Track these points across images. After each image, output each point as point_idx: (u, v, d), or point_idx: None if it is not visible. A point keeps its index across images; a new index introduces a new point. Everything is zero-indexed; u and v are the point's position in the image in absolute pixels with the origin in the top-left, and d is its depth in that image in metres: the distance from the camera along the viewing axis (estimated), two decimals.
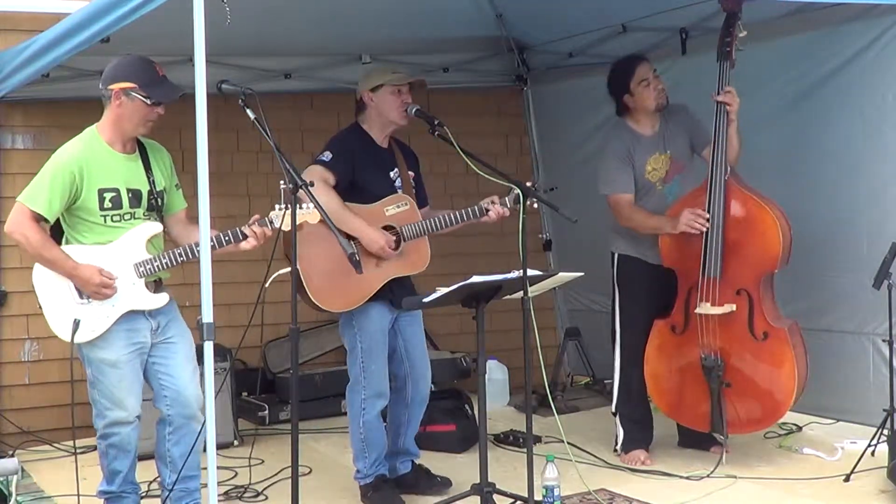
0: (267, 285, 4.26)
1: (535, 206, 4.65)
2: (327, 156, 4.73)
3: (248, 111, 4.08)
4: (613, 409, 5.57)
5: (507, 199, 4.73)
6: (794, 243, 5.15)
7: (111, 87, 4.25)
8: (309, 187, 4.06)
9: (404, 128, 4.93)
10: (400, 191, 4.86)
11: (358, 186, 4.76)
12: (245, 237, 4.27)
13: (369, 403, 4.81)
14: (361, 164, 4.77)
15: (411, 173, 4.96)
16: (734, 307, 5.09)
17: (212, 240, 4.20)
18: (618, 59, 5.48)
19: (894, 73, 5.19)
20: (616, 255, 5.47)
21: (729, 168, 5.09)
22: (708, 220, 5.05)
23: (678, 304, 5.26)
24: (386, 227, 4.77)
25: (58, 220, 4.30)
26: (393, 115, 4.80)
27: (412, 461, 5.07)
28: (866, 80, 5.33)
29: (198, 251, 3.90)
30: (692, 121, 5.33)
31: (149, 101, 4.21)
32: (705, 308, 5.10)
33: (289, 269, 4.11)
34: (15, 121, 6.25)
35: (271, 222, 4.25)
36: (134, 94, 4.21)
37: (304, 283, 4.64)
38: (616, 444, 5.53)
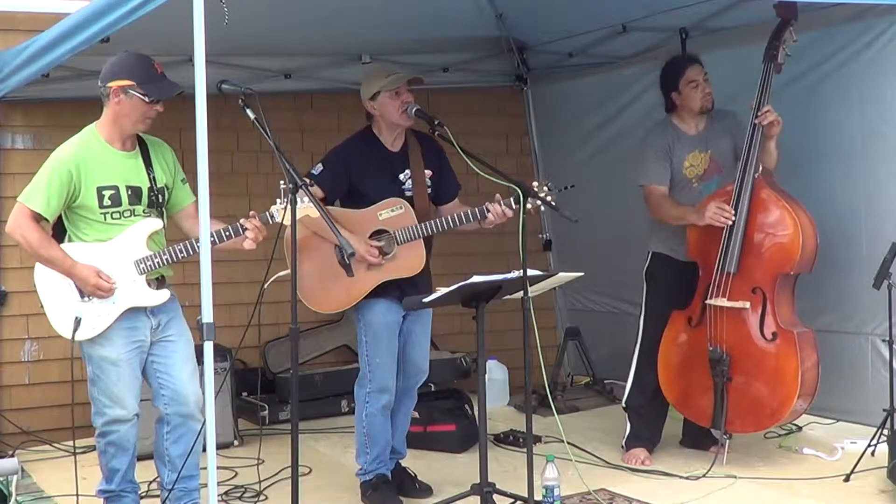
0: (266, 286, 4.27)
1: (541, 206, 4.62)
2: (317, 168, 4.80)
3: (248, 111, 4.08)
4: (624, 404, 5.58)
5: (510, 199, 4.69)
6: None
7: (109, 84, 4.24)
8: (308, 187, 4.06)
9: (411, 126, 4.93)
10: (409, 193, 4.85)
11: (358, 193, 4.79)
12: (245, 229, 4.27)
13: (373, 397, 4.81)
14: (361, 171, 4.79)
15: (429, 171, 4.93)
16: (748, 304, 5.11)
17: (212, 235, 4.20)
18: (672, 57, 5.53)
19: (894, 72, 5.19)
20: (650, 253, 5.51)
21: (761, 167, 5.12)
22: (734, 216, 5.06)
23: (697, 297, 5.28)
24: (379, 231, 4.78)
25: (60, 217, 4.31)
26: (395, 118, 4.80)
27: (397, 461, 5.06)
28: (866, 79, 5.34)
29: (198, 247, 3.90)
30: (738, 128, 5.33)
31: (147, 99, 4.21)
32: (717, 300, 5.12)
33: (284, 271, 4.10)
34: (15, 121, 6.25)
35: (272, 216, 4.25)
36: (132, 91, 4.21)
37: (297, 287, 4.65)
38: (624, 438, 5.54)
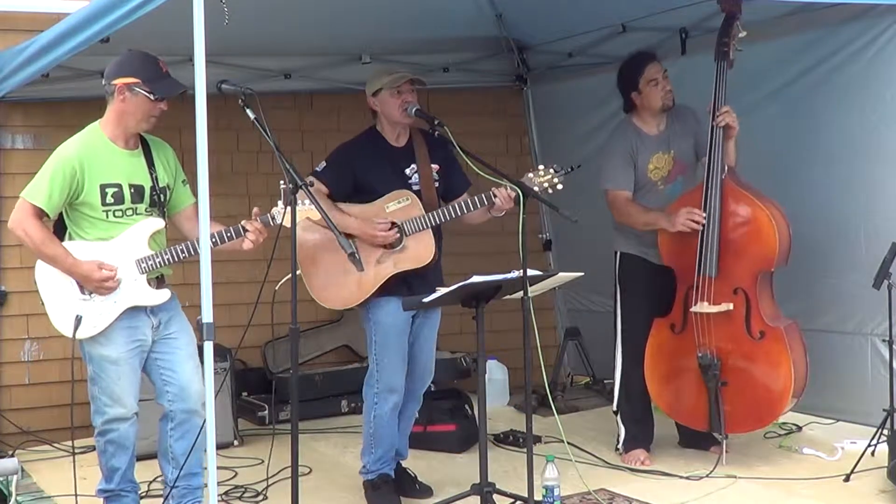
0: (277, 288, 4.28)
1: (548, 185, 4.62)
2: (321, 166, 4.84)
3: (248, 111, 4.08)
4: (614, 408, 5.58)
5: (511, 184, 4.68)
6: (792, 243, 5.15)
7: (114, 82, 4.25)
8: (308, 187, 4.06)
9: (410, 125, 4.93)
10: (415, 186, 4.86)
11: (365, 188, 4.80)
12: (246, 231, 4.28)
13: (381, 398, 4.82)
14: (365, 167, 4.80)
15: (436, 166, 4.93)
16: (731, 306, 5.10)
17: (213, 236, 4.21)
18: (629, 56, 5.48)
19: (893, 72, 5.19)
20: (618, 254, 5.48)
21: (726, 167, 5.10)
22: (704, 219, 5.06)
23: (677, 303, 5.27)
24: None
25: (61, 217, 4.32)
26: (395, 117, 4.82)
27: (398, 462, 5.06)
28: (865, 79, 5.33)
29: (199, 248, 3.90)
30: (698, 126, 5.31)
31: (152, 97, 4.22)
32: (702, 307, 5.12)
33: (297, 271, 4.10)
34: (15, 121, 6.25)
35: (273, 218, 4.26)
36: (137, 89, 4.22)
37: (307, 283, 4.65)
38: (618, 443, 5.54)
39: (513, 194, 4.63)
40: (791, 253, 5.16)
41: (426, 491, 5.01)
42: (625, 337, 5.46)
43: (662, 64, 5.36)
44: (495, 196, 4.68)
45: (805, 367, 5.16)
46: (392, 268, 4.76)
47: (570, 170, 4.68)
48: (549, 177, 4.64)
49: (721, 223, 5.10)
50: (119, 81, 4.23)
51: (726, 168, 5.10)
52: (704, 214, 5.05)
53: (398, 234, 4.74)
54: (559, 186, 4.61)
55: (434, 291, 4.57)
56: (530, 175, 4.64)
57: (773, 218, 5.05)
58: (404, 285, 4.77)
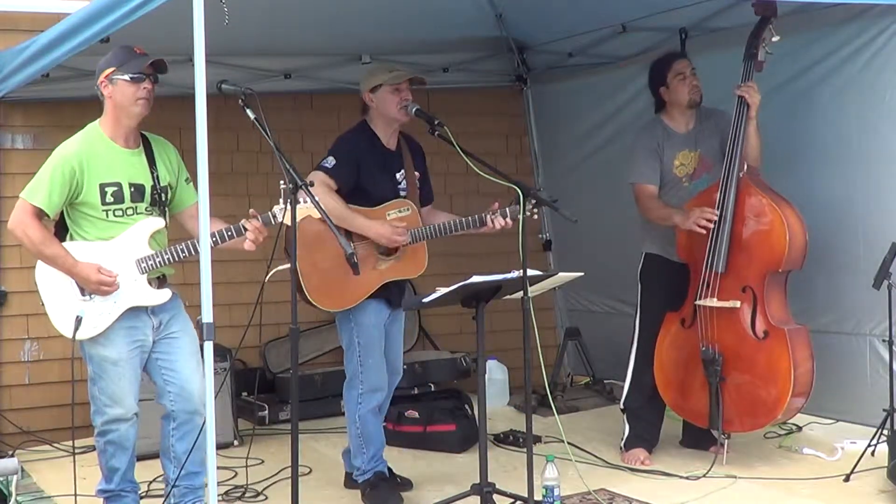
0: (267, 279, 4.27)
1: (535, 217, 4.64)
2: (330, 161, 4.76)
3: (248, 111, 4.08)
4: (622, 405, 5.58)
5: (507, 209, 4.76)
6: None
7: (98, 81, 4.31)
8: (309, 187, 4.07)
9: (406, 126, 4.94)
10: (404, 193, 4.88)
11: (362, 189, 4.80)
12: (245, 230, 4.28)
13: (365, 398, 4.85)
14: (366, 166, 4.80)
15: (417, 173, 4.97)
16: (738, 303, 5.11)
17: (214, 235, 4.21)
18: (659, 55, 5.58)
19: (892, 72, 5.19)
20: (643, 254, 5.52)
21: (746, 166, 5.13)
22: (714, 218, 5.07)
23: (689, 298, 5.29)
24: None
25: (62, 217, 4.32)
26: (392, 113, 4.82)
27: None
28: (864, 79, 5.34)
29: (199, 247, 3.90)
30: (728, 124, 5.32)
31: (129, 77, 4.23)
32: (707, 300, 5.13)
33: (288, 265, 4.11)
34: (15, 121, 6.25)
35: (274, 217, 4.27)
36: (115, 77, 4.25)
37: (303, 283, 4.66)
38: (622, 439, 5.54)
39: (508, 223, 4.70)
40: (807, 257, 5.16)
41: (406, 484, 5.04)
42: (641, 335, 5.49)
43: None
44: (482, 223, 4.76)
45: (810, 374, 5.14)
46: (389, 275, 4.81)
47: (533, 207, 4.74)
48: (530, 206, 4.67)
49: (733, 220, 5.12)
50: (100, 78, 4.29)
51: (745, 166, 5.12)
52: (715, 215, 5.07)
53: (398, 254, 4.77)
54: (535, 216, 4.63)
55: (404, 293, 4.60)
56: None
57: (785, 219, 5.06)
58: (385, 288, 4.82)
